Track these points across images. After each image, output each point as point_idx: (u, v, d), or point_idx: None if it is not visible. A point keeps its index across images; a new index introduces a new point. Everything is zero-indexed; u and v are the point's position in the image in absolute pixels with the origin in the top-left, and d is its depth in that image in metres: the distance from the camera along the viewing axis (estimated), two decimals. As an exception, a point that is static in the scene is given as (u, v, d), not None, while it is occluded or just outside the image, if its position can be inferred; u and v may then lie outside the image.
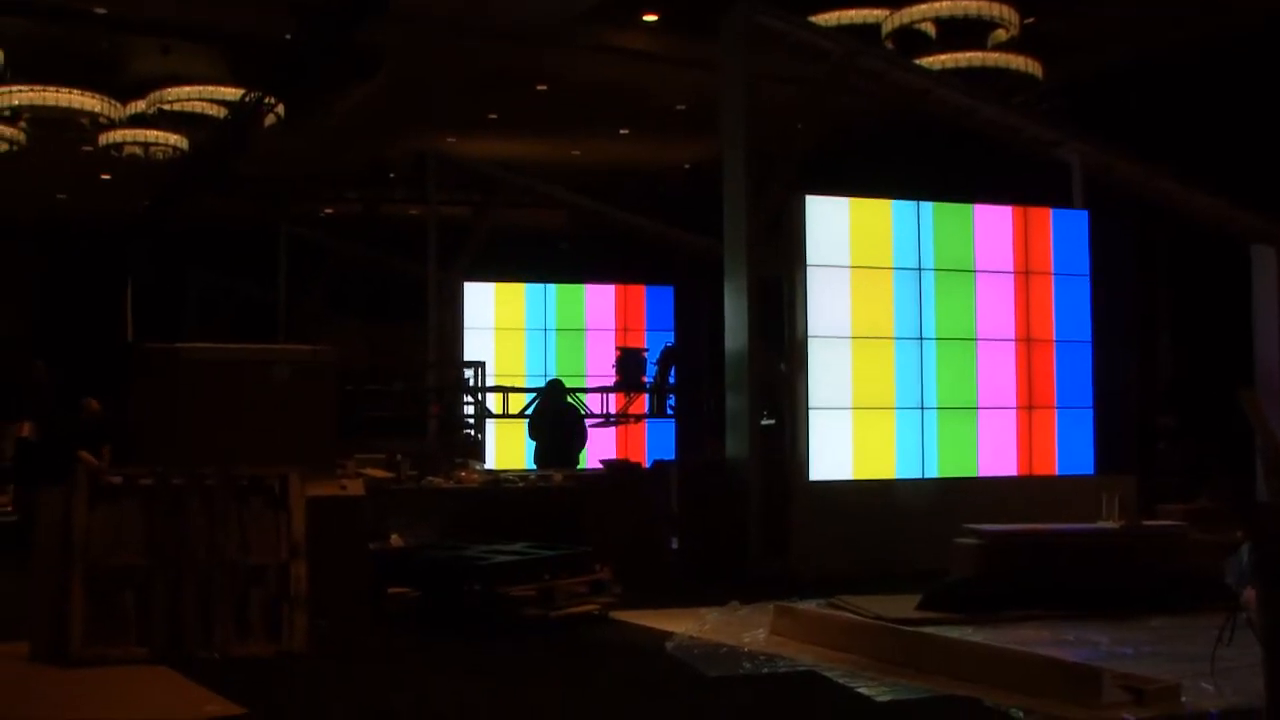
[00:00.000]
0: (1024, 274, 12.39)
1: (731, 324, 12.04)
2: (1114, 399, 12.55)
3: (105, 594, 7.49)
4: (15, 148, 18.41)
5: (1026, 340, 12.35)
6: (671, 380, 16.48)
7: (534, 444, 14.48)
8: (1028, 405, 12.30)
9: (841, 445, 11.61)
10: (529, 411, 15.45)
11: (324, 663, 7.38)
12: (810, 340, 11.57)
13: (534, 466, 14.13)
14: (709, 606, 9.09)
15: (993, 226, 12.36)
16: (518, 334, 19.29)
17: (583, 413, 15.25)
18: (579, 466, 13.91)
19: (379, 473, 10.55)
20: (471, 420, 17.11)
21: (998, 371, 12.22)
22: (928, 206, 12.10)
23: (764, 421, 12.32)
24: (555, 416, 14.33)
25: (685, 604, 9.30)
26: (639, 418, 17.16)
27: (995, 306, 12.25)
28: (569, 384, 15.37)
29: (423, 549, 9.81)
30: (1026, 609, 8.44)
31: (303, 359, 8.96)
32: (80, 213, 24.92)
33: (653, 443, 18.92)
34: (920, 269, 11.98)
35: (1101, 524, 9.49)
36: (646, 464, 14.51)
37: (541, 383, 17.13)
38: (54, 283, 25.77)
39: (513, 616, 8.47)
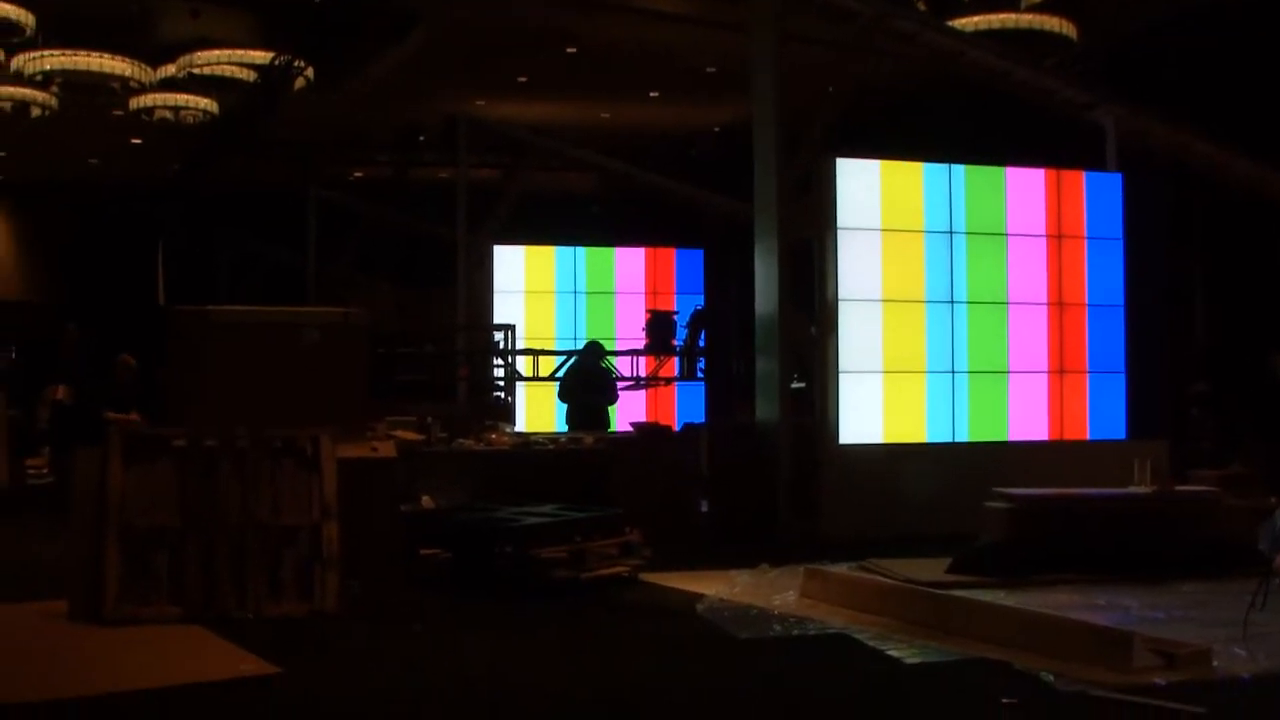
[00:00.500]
0: (1056, 238, 12.30)
1: (761, 287, 12.04)
2: (1147, 364, 12.47)
3: (139, 554, 7.55)
4: (47, 112, 18.47)
5: (1058, 304, 12.28)
6: (701, 343, 16.45)
7: (564, 406, 14.50)
8: (1059, 369, 12.24)
9: (872, 409, 11.62)
10: (559, 374, 15.47)
11: (356, 623, 7.42)
12: (841, 303, 11.57)
13: (564, 429, 14.17)
14: (739, 569, 9.11)
15: (1025, 190, 12.28)
16: (547, 297, 19.32)
17: (614, 375, 15.24)
18: (609, 429, 13.93)
19: (410, 435, 10.58)
20: (501, 383, 17.15)
21: (1029, 335, 12.17)
22: (959, 169, 12.03)
23: (794, 385, 12.34)
24: (587, 378, 14.33)
25: (715, 566, 9.33)
26: (669, 381, 17.16)
27: (1027, 270, 12.19)
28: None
29: (453, 511, 9.85)
30: (1057, 573, 8.42)
31: (334, 321, 8.98)
32: (111, 177, 25.00)
33: (683, 406, 18.95)
34: (951, 232, 11.93)
35: (1133, 489, 9.45)
36: (676, 427, 14.54)
37: (572, 346, 17.19)
38: (86, 248, 25.86)
39: (543, 578, 8.50)
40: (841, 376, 11.53)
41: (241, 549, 7.69)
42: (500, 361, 17.12)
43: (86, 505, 7.58)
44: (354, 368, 8.86)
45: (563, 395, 14.44)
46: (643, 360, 16.96)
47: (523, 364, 16.95)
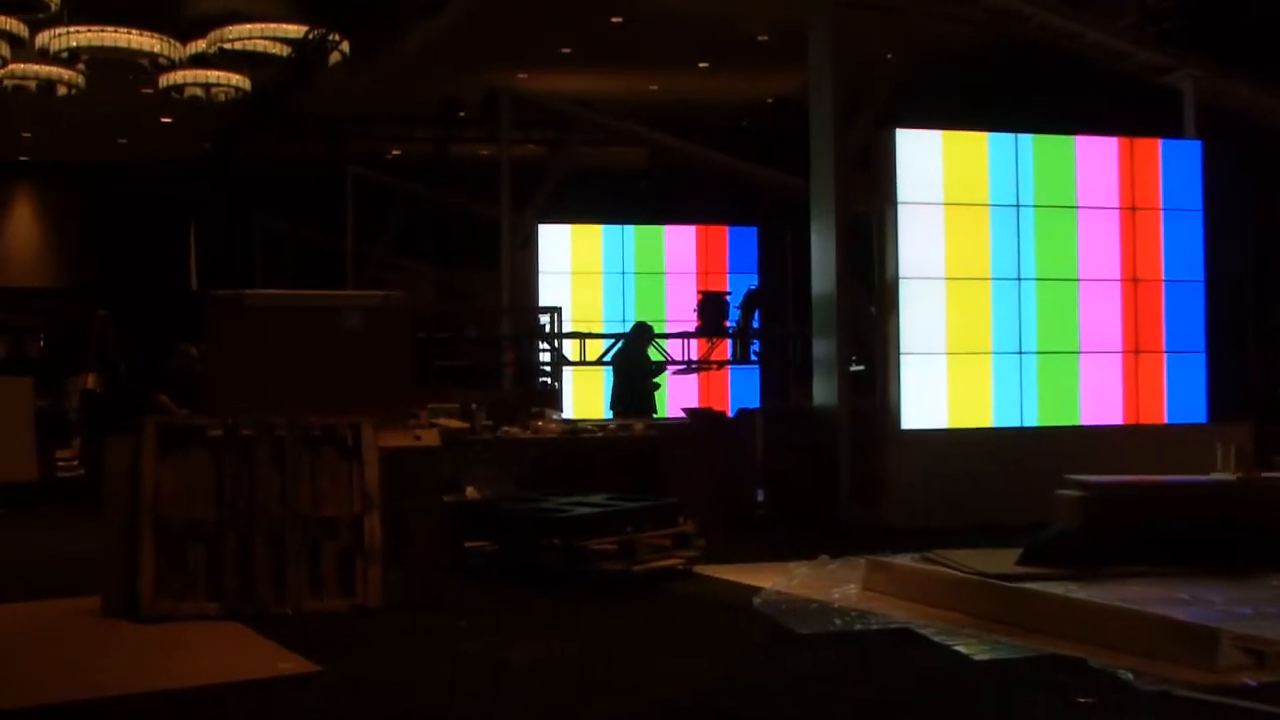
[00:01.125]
0: (1130, 210, 12.17)
1: (819, 265, 12.01)
2: (1229, 342, 12.31)
3: (175, 547, 7.59)
4: (74, 91, 18.60)
5: (1133, 280, 12.15)
6: (755, 325, 16.46)
7: (610, 393, 14.52)
8: (1134, 349, 12.12)
9: (935, 392, 11.58)
10: (607, 358, 15.49)
11: (400, 617, 7.45)
12: (902, 281, 11.53)
13: (611, 415, 14.19)
14: (797, 560, 9.09)
15: (1097, 159, 12.15)
16: (595, 278, 19.33)
17: (651, 366, 15.11)
18: (658, 415, 13.93)
19: (454, 423, 10.60)
20: (548, 368, 17.18)
21: (1101, 313, 12.06)
22: (1026, 139, 11.94)
23: (853, 367, 12.33)
24: (625, 364, 14.31)
25: (772, 558, 9.32)
26: (722, 364, 17.19)
27: (1099, 244, 12.07)
28: (647, 330, 15.30)
29: (499, 501, 9.88)
30: (1134, 565, 8.32)
31: (374, 305, 9.00)
32: (141, 157, 25.20)
33: (736, 390, 18.95)
34: (1018, 205, 11.84)
35: (1216, 475, 9.32)
36: (730, 412, 14.51)
37: (620, 329, 17.19)
38: (115, 231, 26.10)
39: (593, 571, 8.50)
40: (903, 358, 11.50)
41: (280, 542, 7.72)
42: (546, 345, 17.15)
43: (119, 498, 7.63)
44: (396, 353, 8.87)
45: (615, 382, 14.41)
46: (694, 343, 16.97)
47: (569, 348, 16.96)
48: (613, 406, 14.28)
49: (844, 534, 10.68)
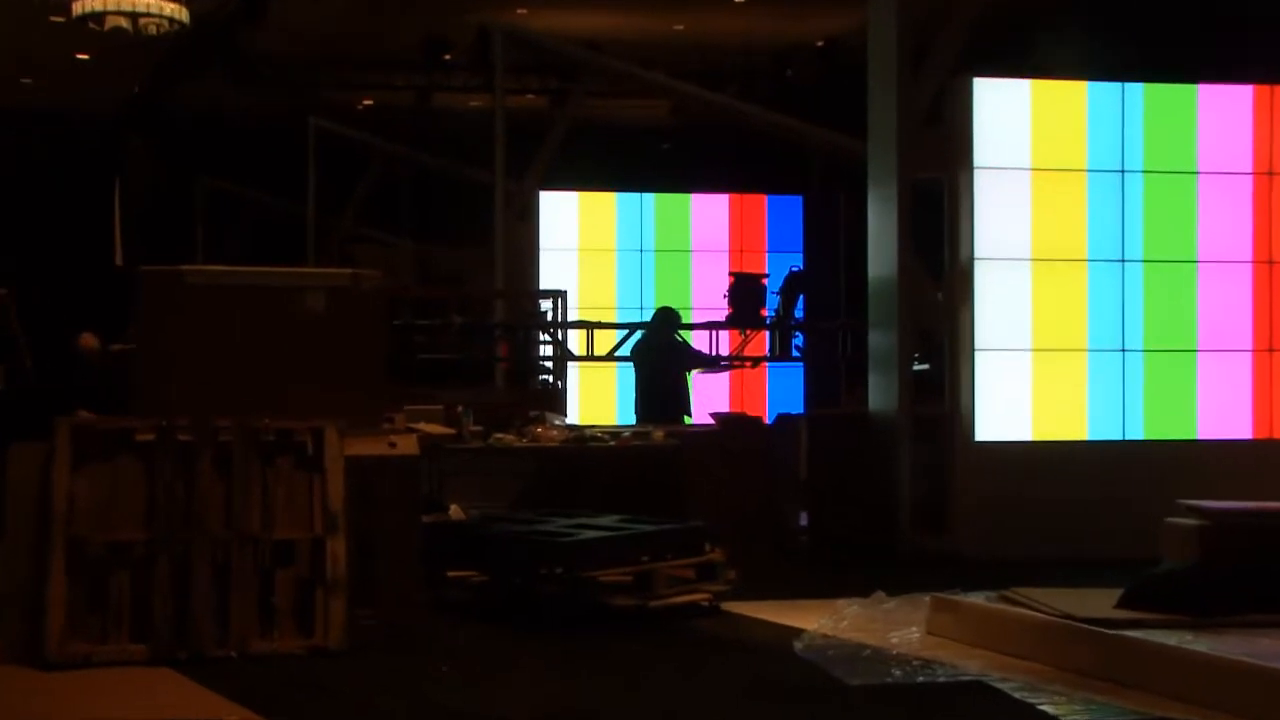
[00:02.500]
0: (1267, 175, 12.08)
1: (876, 243, 12.01)
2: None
3: (94, 577, 7.56)
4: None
5: (1268, 262, 12.06)
6: (799, 314, 16.41)
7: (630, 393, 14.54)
8: (1268, 347, 12.03)
9: (1017, 397, 11.57)
10: (622, 351, 15.48)
11: (368, 662, 7.44)
12: (977, 263, 11.53)
13: (628, 420, 14.17)
14: (848, 597, 9.07)
15: (1224, 113, 12.08)
16: (607, 256, 19.32)
17: (684, 355, 15.10)
18: (686, 420, 13.92)
19: (436, 428, 10.58)
20: (549, 364, 17.17)
21: (1227, 303, 11.98)
22: (1135, 89, 11.90)
23: (917, 366, 12.35)
24: (651, 356, 14.30)
25: (818, 594, 9.33)
26: (758, 361, 17.14)
27: (1225, 218, 11.99)
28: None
29: (490, 523, 9.90)
30: (1262, 611, 8.26)
31: (341, 286, 8.96)
32: (51, 103, 25.06)
33: (775, 393, 18.95)
34: (1124, 171, 11.80)
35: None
36: (768, 419, 14.49)
37: (637, 317, 17.16)
38: (21, 193, 25.97)
39: (602, 607, 8.52)
40: (978, 356, 11.49)
41: (224, 570, 7.70)
42: (548, 337, 17.13)
43: (25, 518, 7.60)
44: (366, 344, 8.84)
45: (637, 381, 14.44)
46: (725, 335, 16.91)
47: (575, 340, 16.93)
48: (636, 410, 14.27)
49: (904, 566, 10.73)
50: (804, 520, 11.99)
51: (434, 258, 23.32)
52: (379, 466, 8.28)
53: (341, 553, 7.80)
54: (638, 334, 15.31)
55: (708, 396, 16.77)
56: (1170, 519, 8.93)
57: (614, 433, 12.05)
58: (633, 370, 14.69)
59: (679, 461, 11.23)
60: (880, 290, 11.98)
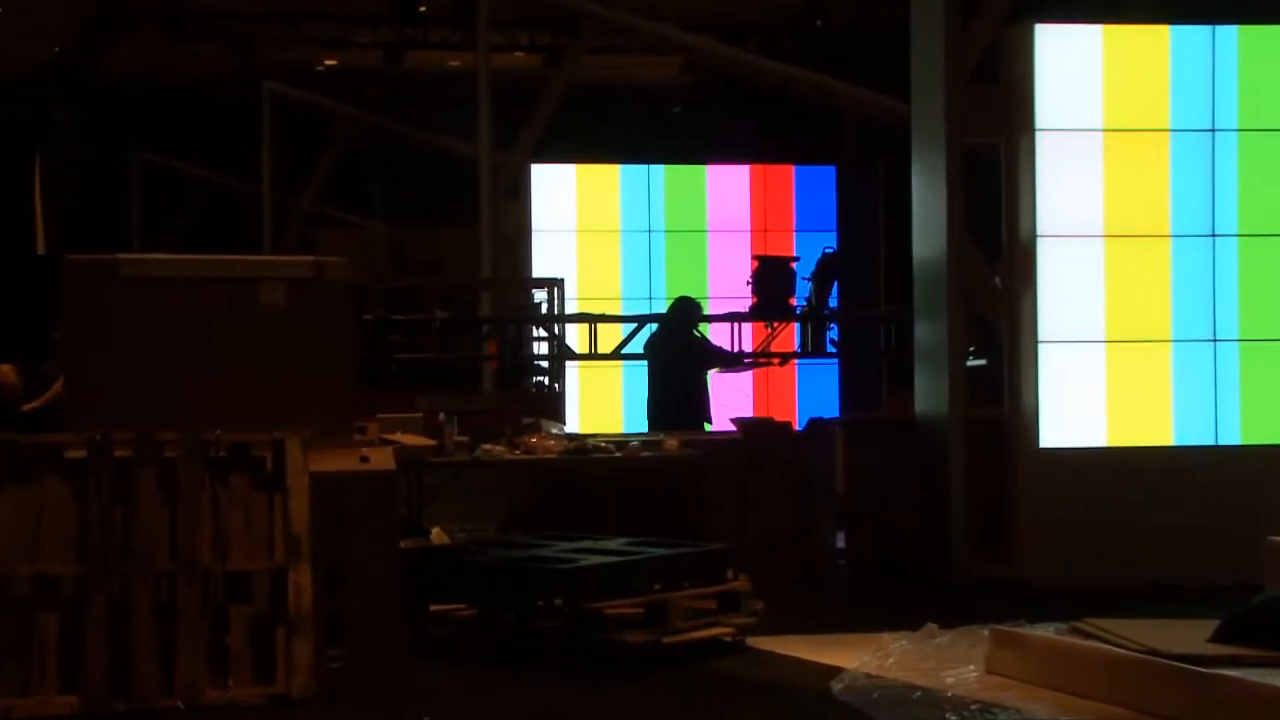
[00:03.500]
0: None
1: (923, 218, 12.03)
2: None
3: (16, 617, 7.57)
4: None
5: (1388, 235, 12.03)
6: (833, 303, 16.39)
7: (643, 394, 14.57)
8: (1396, 338, 11.99)
9: (1089, 396, 11.55)
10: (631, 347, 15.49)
11: (338, 712, 7.45)
12: (1041, 240, 11.53)
13: (638, 429, 14.15)
14: (893, 630, 9.09)
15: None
16: (610, 238, 19.29)
17: (706, 351, 15.11)
18: (706, 427, 13.93)
19: (414, 439, 10.60)
20: (545, 364, 17.18)
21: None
22: (1227, 32, 11.85)
23: (971, 361, 12.35)
24: (666, 354, 14.29)
25: (859, 627, 9.38)
26: (786, 358, 17.13)
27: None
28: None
29: (479, 548, 9.90)
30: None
31: (302, 276, 8.97)
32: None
33: (807, 394, 18.95)
34: (1214, 130, 11.76)
35: None
36: (798, 425, 14.47)
37: (646, 309, 17.14)
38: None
39: (609, 644, 8.52)
40: (1042, 349, 11.47)
41: (169, 608, 7.70)
42: (543, 333, 17.13)
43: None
44: (333, 343, 8.84)
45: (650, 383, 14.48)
46: (747, 329, 16.89)
47: (575, 335, 16.94)
48: (648, 416, 14.27)
49: (959, 594, 10.74)
50: (841, 541, 12.00)
51: (410, 242, 23.36)
52: (349, 484, 8.28)
53: (307, 585, 7.79)
54: (648, 329, 15.29)
55: (729, 399, 16.74)
56: (1273, 538, 8.93)
57: (621, 442, 12.01)
58: (644, 370, 14.67)
59: (697, 475, 11.26)
60: (928, 274, 11.98)
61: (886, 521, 11.79)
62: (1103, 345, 11.57)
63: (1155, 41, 11.81)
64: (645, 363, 14.86)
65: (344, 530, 8.10)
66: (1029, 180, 11.51)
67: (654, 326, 15.26)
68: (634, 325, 15.97)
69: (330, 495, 8.07)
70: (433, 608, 9.24)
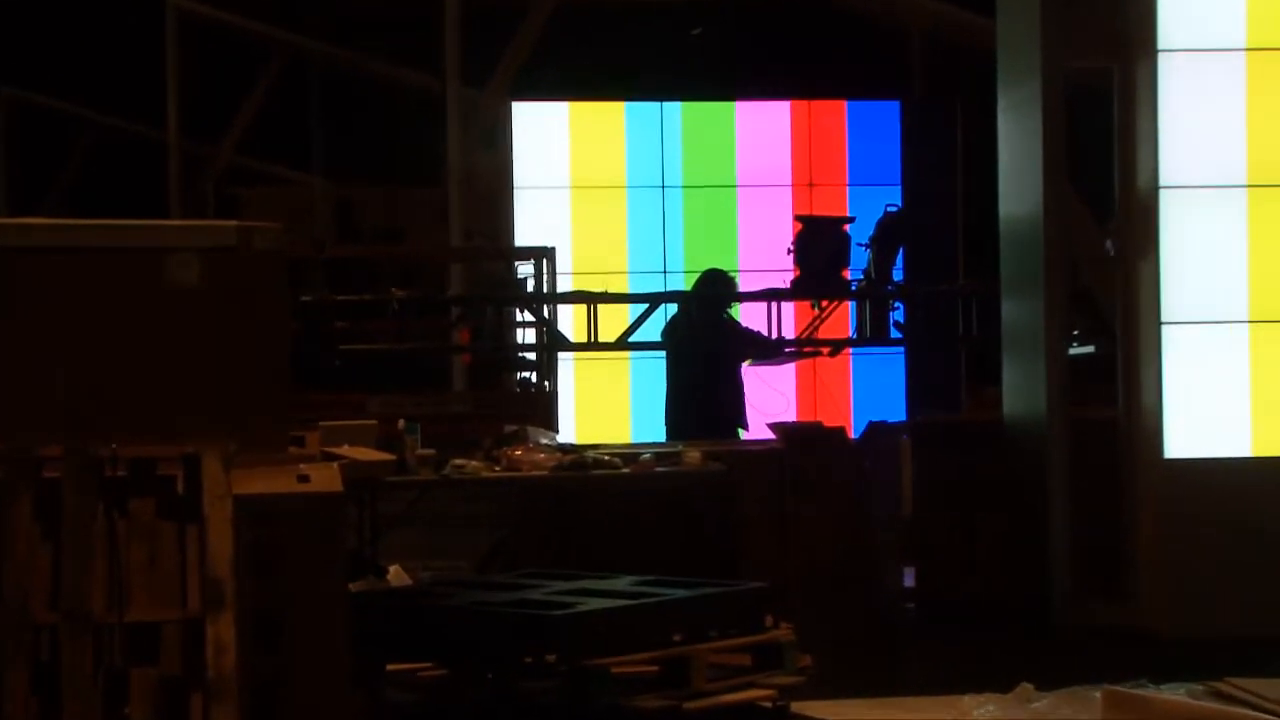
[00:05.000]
0: None
1: (1012, 168, 12.13)
2: None
3: None
4: None
5: None
6: (898, 275, 16.40)
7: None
8: None
9: (1227, 393, 11.59)
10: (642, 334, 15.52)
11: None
12: (1164, 193, 11.59)
13: (653, 438, 14.19)
14: (975, 692, 9.13)
15: None
16: (614, 196, 19.33)
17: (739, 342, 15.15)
18: (739, 434, 13.96)
19: (367, 453, 10.55)
20: (533, 356, 17.20)
21: None
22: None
23: (1076, 349, 12.44)
24: (690, 343, 14.31)
25: (932, 687, 9.52)
26: (838, 346, 17.15)
27: None
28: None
29: (449, 590, 9.90)
30: None
31: (221, 245, 8.94)
32: None
33: (864, 392, 19.03)
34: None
35: None
36: (854, 431, 14.49)
37: (660, 286, 17.17)
38: None
39: (617, 711, 8.48)
40: (1165, 332, 11.53)
41: (50, 672, 7.67)
42: (529, 317, 17.13)
43: None
44: (261, 330, 8.81)
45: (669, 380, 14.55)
46: (788, 309, 16.88)
47: (569, 320, 16.93)
48: (666, 420, 14.31)
49: (1062, 645, 10.84)
50: (910, 579, 12.04)
51: (358, 201, 23.30)
52: (284, 510, 8.25)
53: (230, 639, 7.76)
54: (663, 310, 15.28)
55: (766, 400, 16.74)
56: None
57: (629, 455, 12.05)
58: (660, 363, 14.68)
59: (726, 495, 11.31)
60: (1019, 238, 12.03)
61: (967, 553, 11.80)
62: (1245, 326, 11.62)
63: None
64: (661, 354, 14.88)
65: (277, 570, 8.07)
66: (1149, 116, 11.54)
67: (672, 308, 15.26)
68: (645, 306, 15.92)
69: (259, 525, 8.03)
70: (390, 667, 9.22)
